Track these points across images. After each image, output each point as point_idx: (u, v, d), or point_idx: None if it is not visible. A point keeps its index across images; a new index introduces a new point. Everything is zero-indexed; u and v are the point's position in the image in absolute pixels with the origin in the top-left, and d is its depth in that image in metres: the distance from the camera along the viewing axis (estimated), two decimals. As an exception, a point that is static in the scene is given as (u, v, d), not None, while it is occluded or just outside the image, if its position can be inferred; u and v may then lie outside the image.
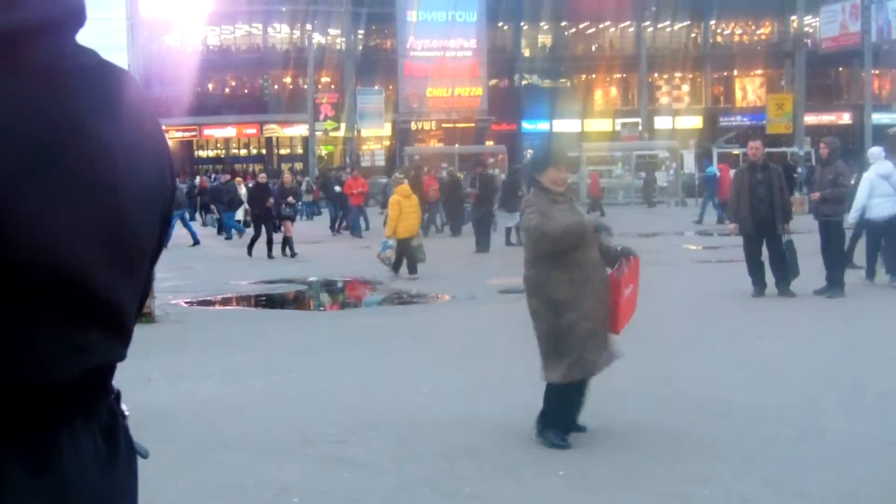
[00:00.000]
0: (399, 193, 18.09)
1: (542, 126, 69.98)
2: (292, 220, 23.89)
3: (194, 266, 20.56)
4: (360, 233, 28.71)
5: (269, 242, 22.28)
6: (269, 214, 22.72)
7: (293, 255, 22.28)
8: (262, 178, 24.66)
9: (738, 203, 13.87)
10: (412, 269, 17.78)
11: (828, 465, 6.08)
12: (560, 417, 6.60)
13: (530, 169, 7.08)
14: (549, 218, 6.51)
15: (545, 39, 74.80)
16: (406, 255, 17.79)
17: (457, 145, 59.06)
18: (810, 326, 11.43)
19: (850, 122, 70.76)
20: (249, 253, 22.29)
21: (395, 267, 17.92)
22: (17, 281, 1.34)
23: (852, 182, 15.11)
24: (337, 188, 32.51)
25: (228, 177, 35.95)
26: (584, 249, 6.56)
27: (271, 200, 22.83)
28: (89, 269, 1.42)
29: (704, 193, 32.14)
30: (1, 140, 1.31)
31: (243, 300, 15.99)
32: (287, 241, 22.61)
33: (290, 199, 24.23)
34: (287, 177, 26.33)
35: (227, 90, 73.09)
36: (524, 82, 72.92)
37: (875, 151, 15.11)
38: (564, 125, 69.17)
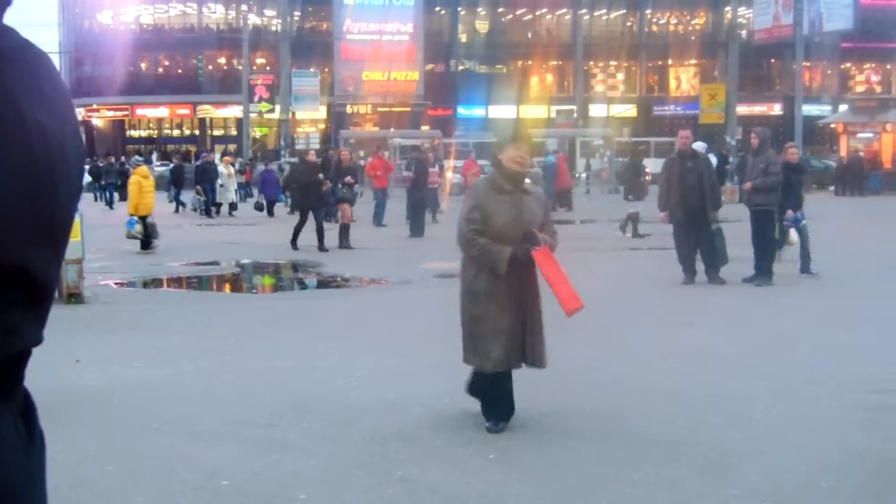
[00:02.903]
0: (138, 174, 19.38)
1: (478, 112, 70.09)
2: (351, 203, 20.82)
3: (124, 247, 20.32)
4: (381, 220, 25.22)
5: (320, 232, 18.87)
6: (319, 199, 19.33)
7: (347, 246, 19.33)
8: (312, 156, 20.77)
9: (668, 192, 14.01)
10: (145, 246, 18.88)
11: (756, 450, 6.17)
12: (486, 404, 6.63)
13: (494, 148, 6.98)
14: (476, 214, 6.47)
15: (482, 25, 74.84)
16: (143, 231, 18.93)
17: (392, 129, 58.99)
18: (739, 314, 11.59)
19: (781, 112, 71.87)
20: (294, 245, 19.11)
21: (145, 244, 19.03)
22: None
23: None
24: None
25: (212, 156, 34.55)
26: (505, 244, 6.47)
27: (328, 183, 19.95)
28: (28, 252, 1.44)
29: (545, 181, 31.25)
30: None
31: (175, 282, 15.84)
32: (343, 230, 19.60)
33: (349, 178, 21.08)
34: (345, 153, 23.13)
35: (161, 70, 72.28)
36: (460, 68, 72.95)
37: (699, 145, 17.36)
38: (500, 111, 69.32)
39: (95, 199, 38.07)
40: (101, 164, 39.82)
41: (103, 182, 38.12)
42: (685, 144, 14.11)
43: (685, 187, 13.75)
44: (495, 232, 6.43)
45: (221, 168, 31.12)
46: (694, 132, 15.44)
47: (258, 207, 30.75)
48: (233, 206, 31.32)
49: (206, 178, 30.62)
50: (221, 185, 30.70)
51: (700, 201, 13.69)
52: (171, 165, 37.44)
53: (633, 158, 24.97)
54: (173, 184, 33.46)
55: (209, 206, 30.48)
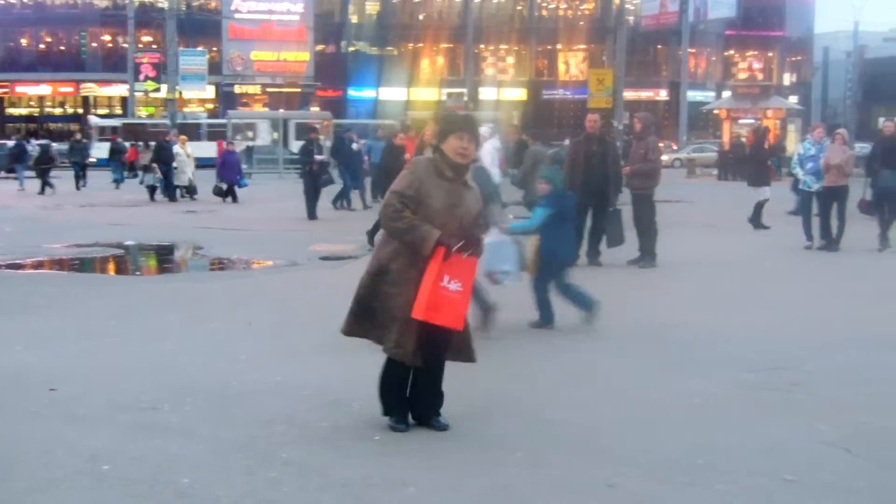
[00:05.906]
0: None
1: (369, 93, 69.97)
2: None
3: (3, 228, 19.81)
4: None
5: None
6: None
7: None
8: (399, 138, 17.70)
9: (572, 174, 14.13)
10: None
11: (635, 427, 6.33)
12: (386, 393, 6.30)
13: (436, 135, 6.41)
14: (410, 192, 6.05)
15: (373, 7, 74.69)
16: None
17: (282, 110, 58.54)
18: (623, 296, 11.79)
19: (667, 98, 73.25)
20: (371, 242, 16.12)
21: None
22: None
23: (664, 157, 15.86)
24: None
25: (174, 135, 31.76)
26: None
27: None
28: None
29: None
30: None
31: (56, 264, 15.48)
32: None
33: None
34: (428, 133, 20.10)
35: (42, 46, 70.50)
36: (351, 49, 72.67)
37: (484, 130, 18.02)
38: (391, 93, 69.31)
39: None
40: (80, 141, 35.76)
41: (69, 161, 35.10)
42: (593, 128, 14.24)
43: (590, 170, 13.85)
44: (427, 215, 6.04)
45: (177, 148, 28.97)
46: (585, 117, 15.48)
47: (217, 192, 28.48)
48: (190, 190, 29.30)
49: (161, 157, 28.76)
50: (176, 168, 28.71)
51: (603, 184, 13.83)
52: None
53: (757, 142, 23.73)
54: None
55: (168, 188, 28.78)
